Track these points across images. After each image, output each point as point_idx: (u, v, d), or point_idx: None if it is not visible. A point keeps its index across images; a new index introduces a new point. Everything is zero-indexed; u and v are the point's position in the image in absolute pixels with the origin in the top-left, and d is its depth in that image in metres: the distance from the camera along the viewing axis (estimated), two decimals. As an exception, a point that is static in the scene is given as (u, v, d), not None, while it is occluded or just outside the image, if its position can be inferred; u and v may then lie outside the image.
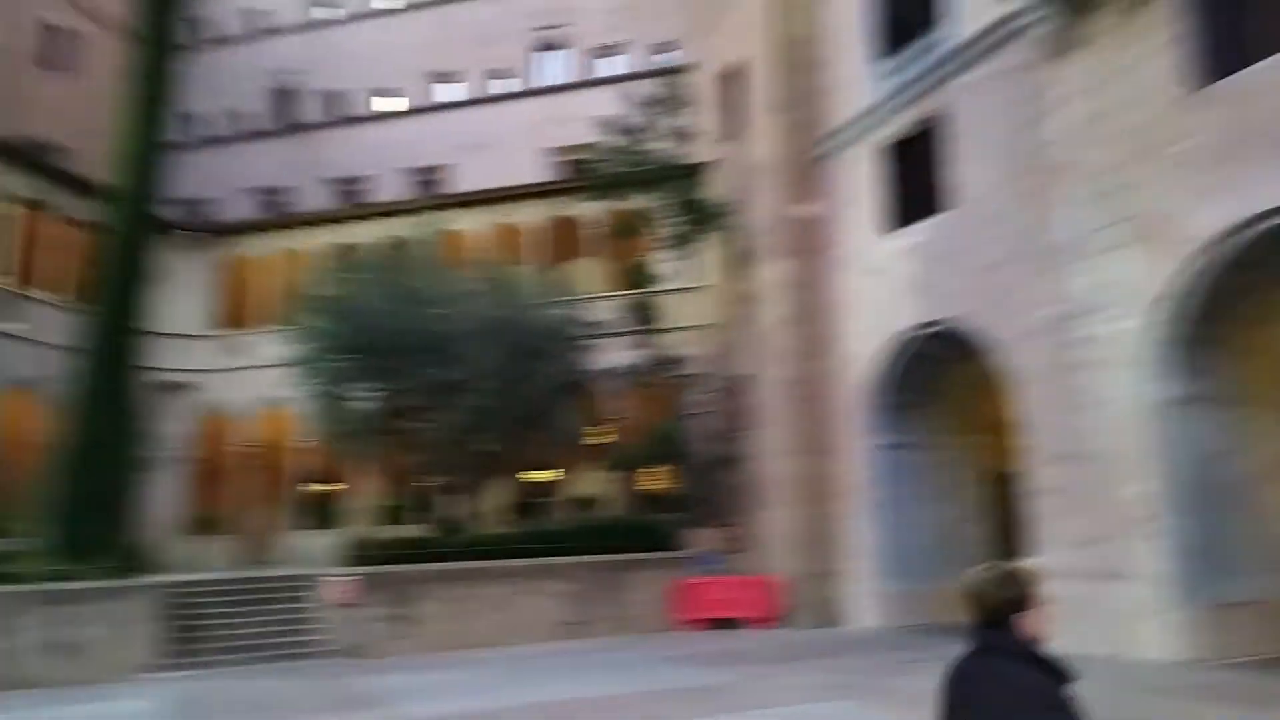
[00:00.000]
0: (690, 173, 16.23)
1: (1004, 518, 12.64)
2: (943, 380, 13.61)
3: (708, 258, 16.21)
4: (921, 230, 12.85)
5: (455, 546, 14.35)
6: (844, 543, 13.81)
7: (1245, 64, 8.88)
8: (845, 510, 13.85)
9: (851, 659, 10.49)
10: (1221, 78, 9.06)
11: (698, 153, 16.62)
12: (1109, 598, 9.65)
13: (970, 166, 12.03)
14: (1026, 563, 2.56)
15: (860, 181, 14.09)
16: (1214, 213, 9.00)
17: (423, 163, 24.06)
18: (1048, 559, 10.44)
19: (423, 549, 14.24)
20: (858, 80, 14.26)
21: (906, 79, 13.23)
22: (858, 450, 13.76)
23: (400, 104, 25.54)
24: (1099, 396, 10.06)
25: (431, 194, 22.12)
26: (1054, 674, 2.31)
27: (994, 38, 11.55)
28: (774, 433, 14.27)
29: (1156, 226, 9.54)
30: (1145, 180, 9.68)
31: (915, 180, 13.13)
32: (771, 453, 14.29)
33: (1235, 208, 8.84)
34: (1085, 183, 10.36)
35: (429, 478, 16.10)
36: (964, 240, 12.06)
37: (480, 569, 13.73)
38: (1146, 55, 9.74)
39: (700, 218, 15.50)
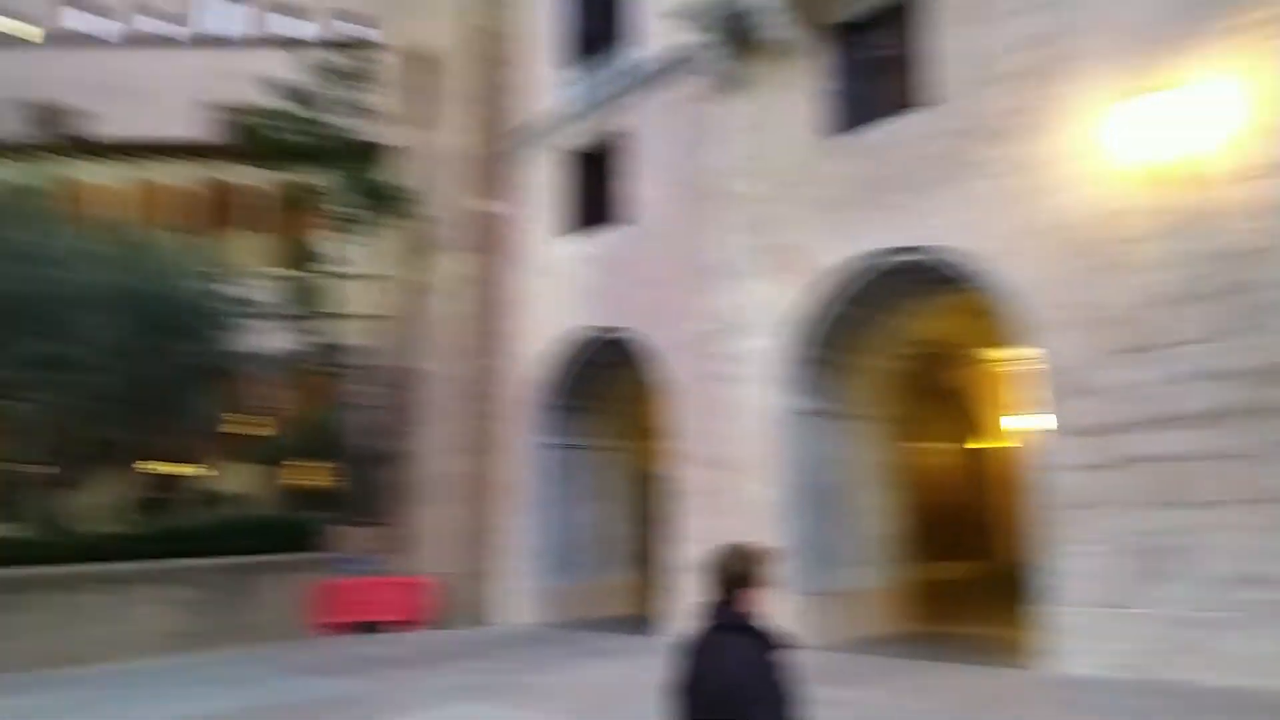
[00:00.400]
0: (371, 153, 15.39)
1: (652, 517, 13.37)
2: (607, 385, 14.17)
3: (384, 244, 15.46)
4: (597, 239, 13.29)
5: (55, 548, 12.22)
6: (503, 541, 13.83)
7: (871, 122, 10.25)
8: (506, 509, 13.88)
9: (499, 658, 10.47)
10: (851, 132, 10.37)
11: (381, 134, 15.81)
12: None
13: (644, 184, 12.66)
14: (763, 544, 2.79)
15: (544, 184, 14.27)
16: (838, 250, 10.25)
17: (47, 99, 20.46)
18: (684, 554, 11.22)
19: (11, 551, 11.95)
20: (547, 84, 14.45)
21: (591, 91, 13.65)
22: (522, 449, 13.87)
23: (24, 29, 21.56)
24: (736, 407, 11.01)
25: (54, 136, 18.87)
26: (772, 643, 2.52)
27: (671, 66, 12.27)
28: (440, 429, 13.93)
29: (793, 258, 10.66)
30: (786, 215, 10.78)
31: (594, 190, 13.57)
32: (436, 450, 13.94)
33: (853, 247, 10.13)
34: (739, 212, 11.32)
35: (25, 467, 13.61)
36: (634, 253, 12.65)
37: (82, 574, 11.80)
38: (795, 103, 10.89)
39: (379, 202, 14.75)
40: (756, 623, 2.58)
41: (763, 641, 2.54)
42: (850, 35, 10.75)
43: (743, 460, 10.89)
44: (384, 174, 15.11)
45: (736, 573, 2.64)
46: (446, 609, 13.31)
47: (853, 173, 10.20)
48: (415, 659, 10.52)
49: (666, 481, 11.87)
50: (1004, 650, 8.94)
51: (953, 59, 9.47)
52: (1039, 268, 8.54)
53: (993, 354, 14.90)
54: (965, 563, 17.50)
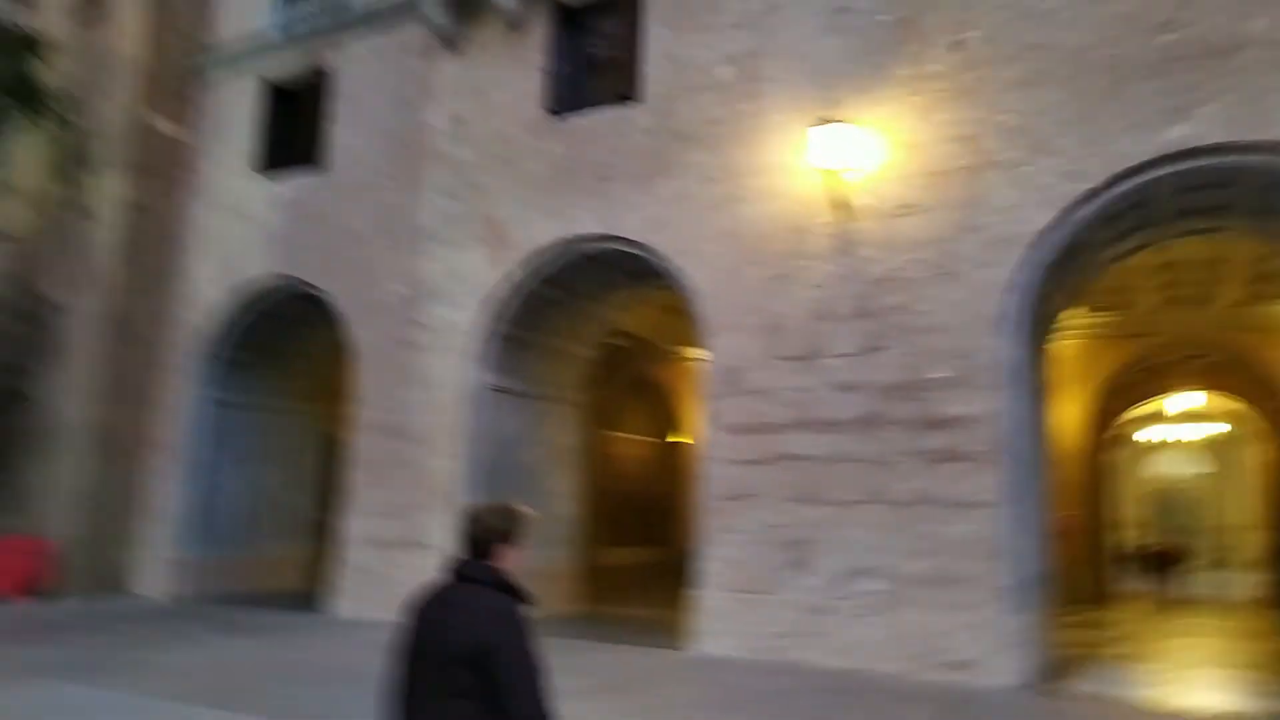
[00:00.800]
0: (15, 42, 12.93)
1: (334, 486, 12.57)
2: (293, 342, 13.12)
3: (27, 152, 13.09)
4: (294, 183, 12.18)
5: None
6: (146, 504, 12.29)
7: (585, 108, 10.24)
8: (153, 468, 12.35)
9: (123, 633, 9.27)
10: (566, 114, 10.31)
11: (34, 23, 13.36)
12: (403, 565, 10.15)
13: (350, 131, 11.78)
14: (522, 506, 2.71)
15: (237, 113, 12.85)
16: (543, 230, 10.16)
17: None
18: (357, 526, 10.63)
19: None
20: (249, 4, 13.02)
21: (299, 20, 12.49)
22: (182, 404, 12.42)
23: None
24: (427, 377, 10.59)
25: None
26: (518, 597, 2.50)
27: (389, 11, 11.51)
28: (78, 372, 12.05)
29: (497, 231, 10.42)
30: (497, 187, 10.51)
31: (295, 129, 12.47)
32: (71, 395, 12.03)
33: (559, 229, 10.09)
34: (450, 176, 10.88)
35: None
36: (333, 204, 11.74)
37: None
38: (516, 76, 10.63)
39: (22, 100, 12.44)
40: (506, 578, 2.53)
41: (513, 596, 2.50)
42: (572, 19, 10.69)
43: (428, 432, 10.50)
44: (32, 69, 12.78)
45: (494, 528, 2.57)
46: (74, 577, 11.57)
47: (563, 155, 10.14)
48: (11, 632, 9.02)
49: (347, 449, 11.16)
50: (663, 632, 9.35)
51: (664, 61, 9.70)
52: (717, 272, 9.00)
53: (689, 351, 15.68)
54: (648, 548, 18.38)
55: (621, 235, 9.72)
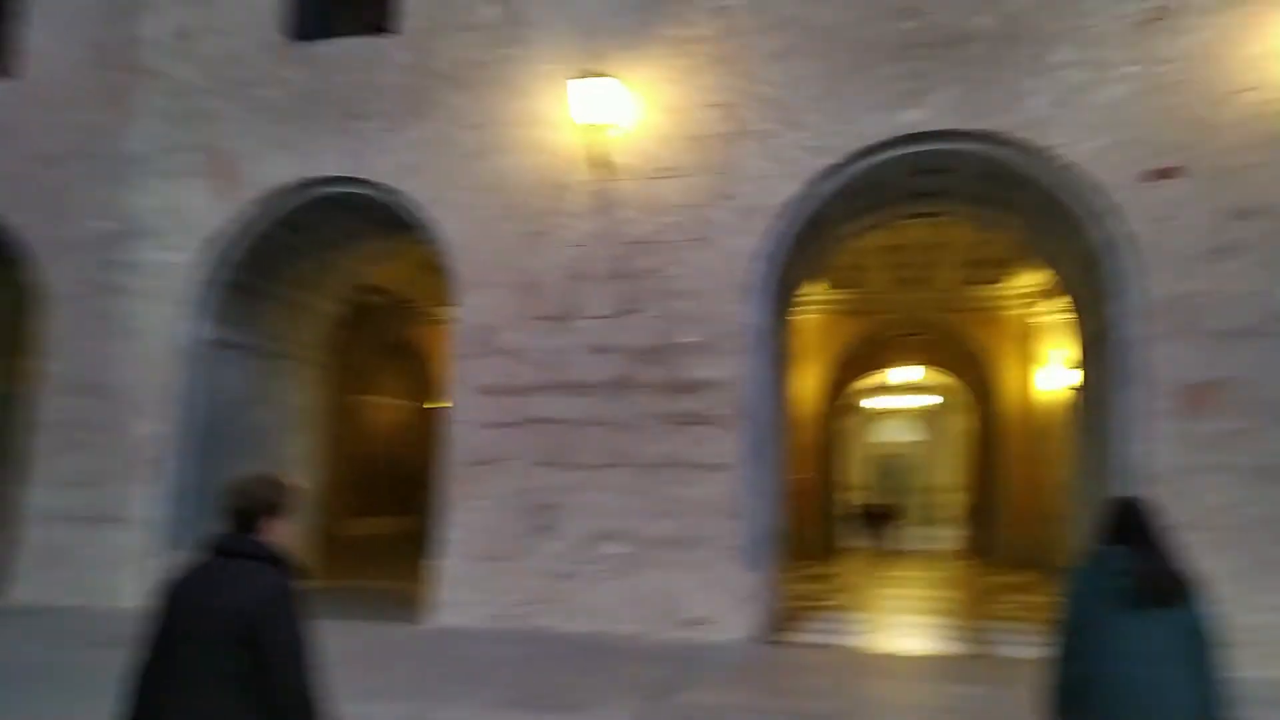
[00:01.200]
0: None
1: (8, 452, 10.76)
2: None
3: None
4: (-33, 91, 10.17)
5: None
6: None
7: (330, 35, 9.31)
8: None
9: None
10: (309, 40, 9.31)
11: None
12: (96, 543, 8.89)
13: (45, 35, 9.97)
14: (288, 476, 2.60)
15: (-110, 0, 10.52)
16: (279, 166, 9.15)
17: None
18: (41, 498, 9.16)
19: None
20: None
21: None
22: None
23: None
24: (133, 328, 9.26)
25: None
26: (288, 572, 2.38)
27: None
28: None
29: (226, 165, 9.25)
30: (225, 115, 9.33)
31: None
32: None
33: (298, 168, 9.13)
34: (168, 98, 9.52)
35: None
36: (21, 120, 9.90)
37: None
38: (250, -12, 9.44)
39: None
40: (275, 551, 2.40)
41: (282, 571, 2.37)
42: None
43: (131, 391, 9.19)
44: None
45: (261, 500, 2.43)
46: None
47: (306, 84, 9.16)
48: None
49: (29, 410, 9.54)
50: (404, 605, 8.89)
51: (424, -8, 8.99)
52: (472, 225, 8.53)
53: (447, 312, 15.01)
54: (401, 517, 17.58)
55: (369, 179, 8.95)
